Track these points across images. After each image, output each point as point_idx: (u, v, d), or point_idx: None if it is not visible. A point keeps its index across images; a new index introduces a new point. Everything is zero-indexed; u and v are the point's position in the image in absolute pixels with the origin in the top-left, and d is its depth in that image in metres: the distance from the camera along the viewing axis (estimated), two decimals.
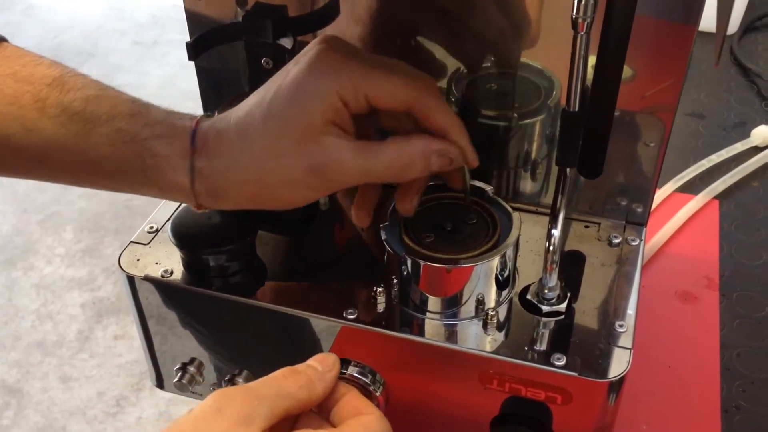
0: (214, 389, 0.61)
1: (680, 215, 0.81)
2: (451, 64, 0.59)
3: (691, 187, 0.86)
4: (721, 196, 0.86)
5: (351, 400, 0.46)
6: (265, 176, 0.47)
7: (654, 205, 0.83)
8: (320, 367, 0.46)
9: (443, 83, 0.60)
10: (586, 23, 0.45)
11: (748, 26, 1.15)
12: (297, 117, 0.46)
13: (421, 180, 0.51)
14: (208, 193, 0.48)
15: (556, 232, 0.51)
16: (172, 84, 2.56)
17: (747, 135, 0.92)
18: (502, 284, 0.54)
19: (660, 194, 0.84)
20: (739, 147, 0.91)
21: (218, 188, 0.48)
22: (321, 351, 0.55)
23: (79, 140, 0.47)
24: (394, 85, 0.46)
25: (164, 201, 0.63)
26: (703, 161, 0.89)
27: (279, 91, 0.47)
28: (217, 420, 0.40)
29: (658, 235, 0.79)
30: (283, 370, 0.45)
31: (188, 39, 0.58)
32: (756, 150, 0.91)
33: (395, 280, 0.54)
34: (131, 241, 0.60)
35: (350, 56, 0.47)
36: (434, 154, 0.47)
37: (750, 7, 1.13)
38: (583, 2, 0.44)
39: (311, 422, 0.45)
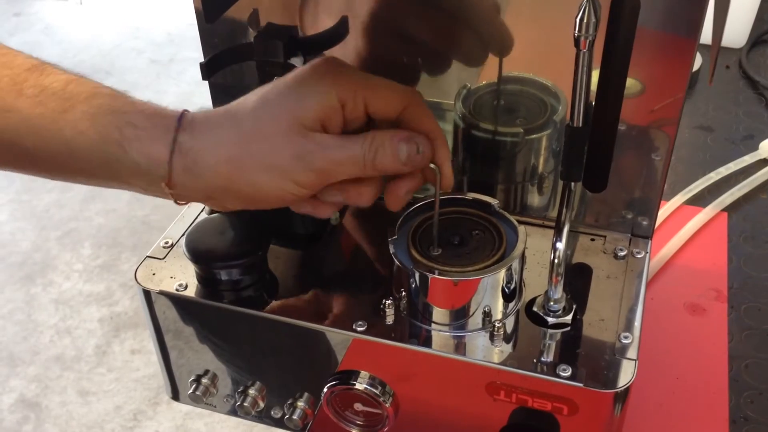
0: (227, 401, 0.62)
1: (689, 228, 0.82)
2: (458, 79, 0.61)
3: (700, 200, 0.87)
4: (730, 209, 0.86)
5: None
6: (246, 157, 0.47)
7: (662, 218, 0.83)
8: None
9: (450, 98, 0.61)
10: (588, 41, 0.46)
11: (757, 39, 1.15)
12: (292, 105, 0.48)
13: (409, 181, 0.52)
14: (184, 170, 0.48)
15: (561, 245, 0.52)
16: (189, 101, 2.59)
17: (755, 148, 0.93)
18: (508, 296, 0.55)
19: (668, 207, 0.85)
20: (747, 159, 0.91)
21: (196, 164, 0.47)
22: (332, 362, 0.56)
23: (57, 117, 0.47)
24: (391, 91, 0.50)
25: (180, 215, 0.64)
26: (712, 174, 0.89)
27: (278, 84, 0.49)
28: None
29: (666, 248, 0.80)
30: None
31: (202, 58, 0.60)
32: (764, 162, 0.92)
33: (404, 293, 0.55)
34: (147, 256, 0.61)
35: (349, 66, 0.51)
36: (402, 141, 0.49)
37: (758, 21, 1.14)
38: (585, 21, 0.45)
39: None
